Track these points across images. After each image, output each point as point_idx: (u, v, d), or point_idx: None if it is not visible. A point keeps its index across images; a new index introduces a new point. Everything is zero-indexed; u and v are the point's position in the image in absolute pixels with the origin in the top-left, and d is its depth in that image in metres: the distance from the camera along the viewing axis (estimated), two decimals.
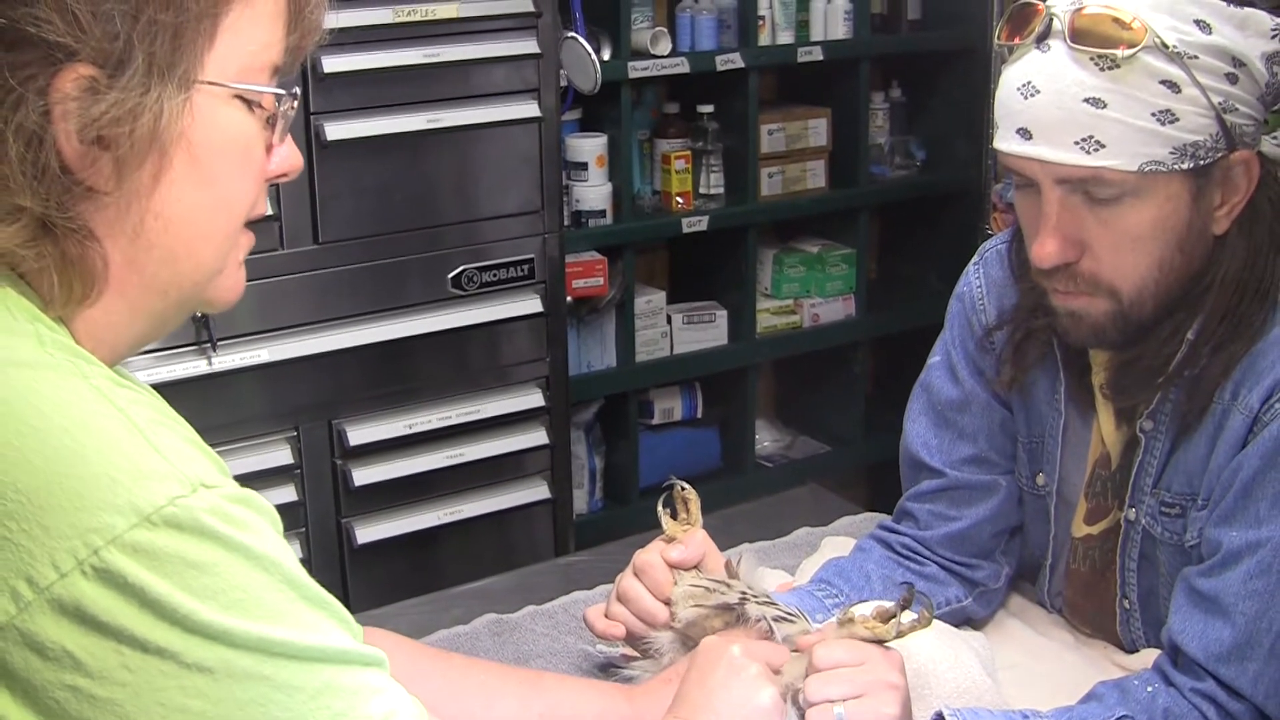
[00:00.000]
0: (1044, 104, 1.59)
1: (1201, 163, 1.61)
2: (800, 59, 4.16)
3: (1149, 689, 1.62)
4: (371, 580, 3.14)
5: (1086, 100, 1.57)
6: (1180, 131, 1.58)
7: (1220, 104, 1.59)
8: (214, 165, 1.13)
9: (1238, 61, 1.59)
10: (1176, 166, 1.59)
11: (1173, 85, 1.57)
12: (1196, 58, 1.57)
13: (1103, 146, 1.57)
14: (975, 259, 1.99)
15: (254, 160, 1.18)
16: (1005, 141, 1.64)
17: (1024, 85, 1.62)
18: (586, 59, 3.44)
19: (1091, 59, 1.57)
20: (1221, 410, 1.68)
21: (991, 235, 3.51)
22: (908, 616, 1.56)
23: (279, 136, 1.20)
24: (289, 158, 1.23)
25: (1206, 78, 1.58)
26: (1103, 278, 1.65)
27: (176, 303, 1.18)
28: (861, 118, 4.36)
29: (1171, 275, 1.66)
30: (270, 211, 2.88)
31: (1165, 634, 1.69)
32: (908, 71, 4.61)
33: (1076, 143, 1.58)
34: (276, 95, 1.17)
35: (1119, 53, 1.56)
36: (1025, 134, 1.61)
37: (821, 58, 4.19)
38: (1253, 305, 1.66)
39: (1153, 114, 1.57)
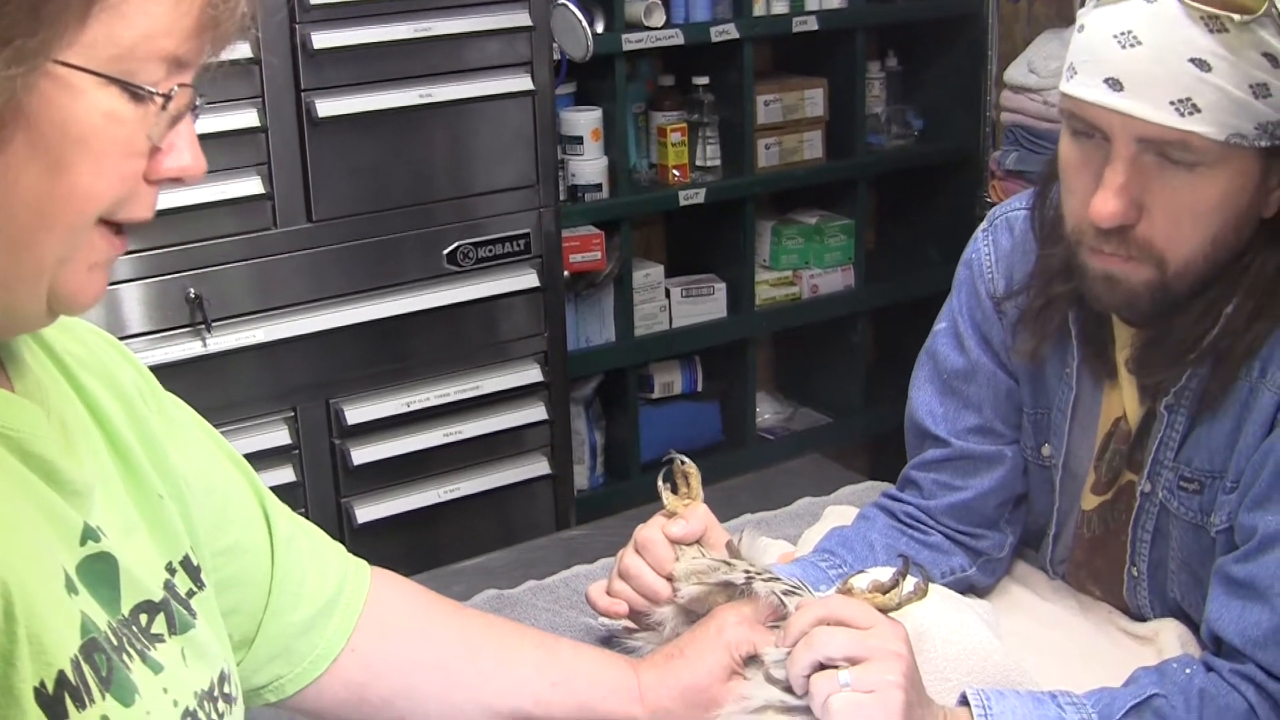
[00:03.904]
0: (1144, 57, 1.52)
1: (1277, 143, 1.56)
2: (795, 29, 4.14)
3: (1187, 671, 1.60)
4: (373, 559, 3.05)
5: (1192, 60, 1.51)
6: (1269, 108, 1.53)
7: None
8: (65, 154, 1.02)
9: None
10: (1257, 143, 1.55)
11: (1274, 60, 1.52)
12: None
13: (1198, 111, 1.51)
14: (984, 225, 1.95)
15: (121, 155, 1.05)
16: (1088, 89, 1.57)
17: (1123, 33, 1.54)
18: (577, 26, 3.40)
19: (1203, 18, 1.50)
20: (1249, 388, 1.65)
21: (990, 203, 3.50)
22: (905, 587, 1.54)
23: (159, 134, 1.07)
24: (183, 160, 1.10)
25: None
26: (1155, 245, 1.60)
27: (24, 298, 1.07)
28: (858, 87, 4.35)
29: (1220, 252, 1.61)
30: (263, 190, 2.87)
31: (1204, 626, 1.66)
32: (904, 40, 4.59)
33: (1172, 103, 1.52)
34: (153, 91, 1.05)
35: (1235, 16, 1.49)
36: (1115, 84, 1.54)
37: (816, 28, 4.17)
38: None
39: (1250, 85, 1.52)
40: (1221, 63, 1.51)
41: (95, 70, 1.01)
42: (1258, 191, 1.60)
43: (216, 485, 1.41)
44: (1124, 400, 1.79)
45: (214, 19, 1.07)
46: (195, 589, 1.29)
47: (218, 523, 1.39)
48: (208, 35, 1.07)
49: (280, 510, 1.50)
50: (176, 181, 1.10)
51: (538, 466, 3.33)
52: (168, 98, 1.05)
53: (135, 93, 1.04)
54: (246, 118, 2.83)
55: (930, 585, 1.59)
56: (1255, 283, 1.63)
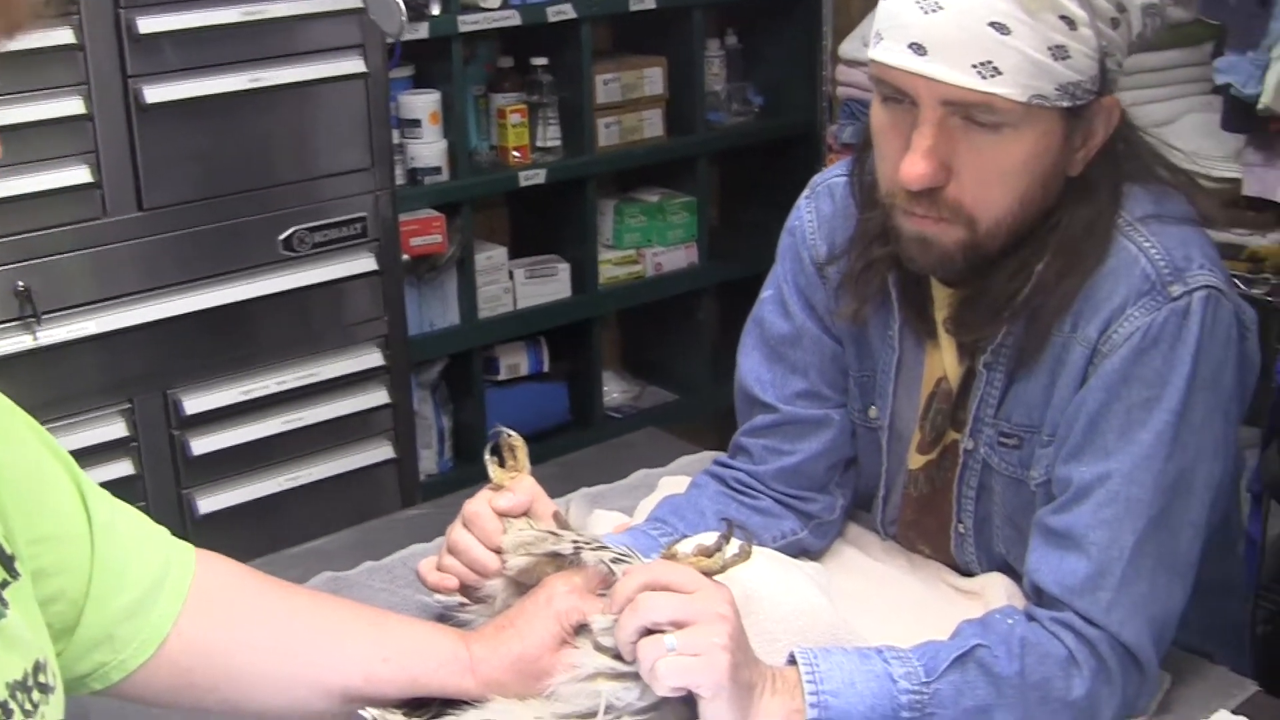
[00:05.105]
0: (946, 22, 1.55)
1: (1078, 103, 1.60)
2: (632, 8, 4.15)
3: (1009, 622, 1.63)
4: (217, 550, 3.06)
5: (992, 24, 1.54)
6: (1068, 69, 1.57)
7: (1103, 47, 1.59)
8: None
9: (1121, 7, 1.59)
10: (1058, 104, 1.58)
11: (1070, 22, 1.56)
12: None
13: (999, 74, 1.55)
14: (806, 193, 1.98)
15: None
16: (893, 55, 1.59)
17: None
18: (390, 1, 3.36)
19: None
20: (1061, 343, 1.69)
21: None
22: (729, 551, 1.55)
23: None
24: None
25: (1099, 20, 1.57)
26: (965, 206, 1.63)
27: None
28: (697, 65, 4.36)
29: (1029, 210, 1.66)
30: (91, 179, 2.83)
31: (1025, 577, 1.70)
32: (742, 18, 4.62)
33: (974, 66, 1.55)
34: None
35: None
36: (919, 49, 1.57)
37: (654, 6, 4.18)
38: (1090, 242, 1.67)
39: (1049, 48, 1.55)
40: (1020, 26, 1.54)
41: None
42: (1062, 151, 1.64)
43: (30, 473, 1.38)
44: (945, 360, 1.82)
45: (3, 6, 1.05)
46: (9, 579, 1.27)
47: (33, 511, 1.36)
48: None
49: (99, 496, 1.47)
50: None
51: (382, 451, 3.31)
52: None
53: None
54: (71, 105, 2.78)
55: (757, 548, 1.61)
56: (1064, 240, 1.67)
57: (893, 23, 1.60)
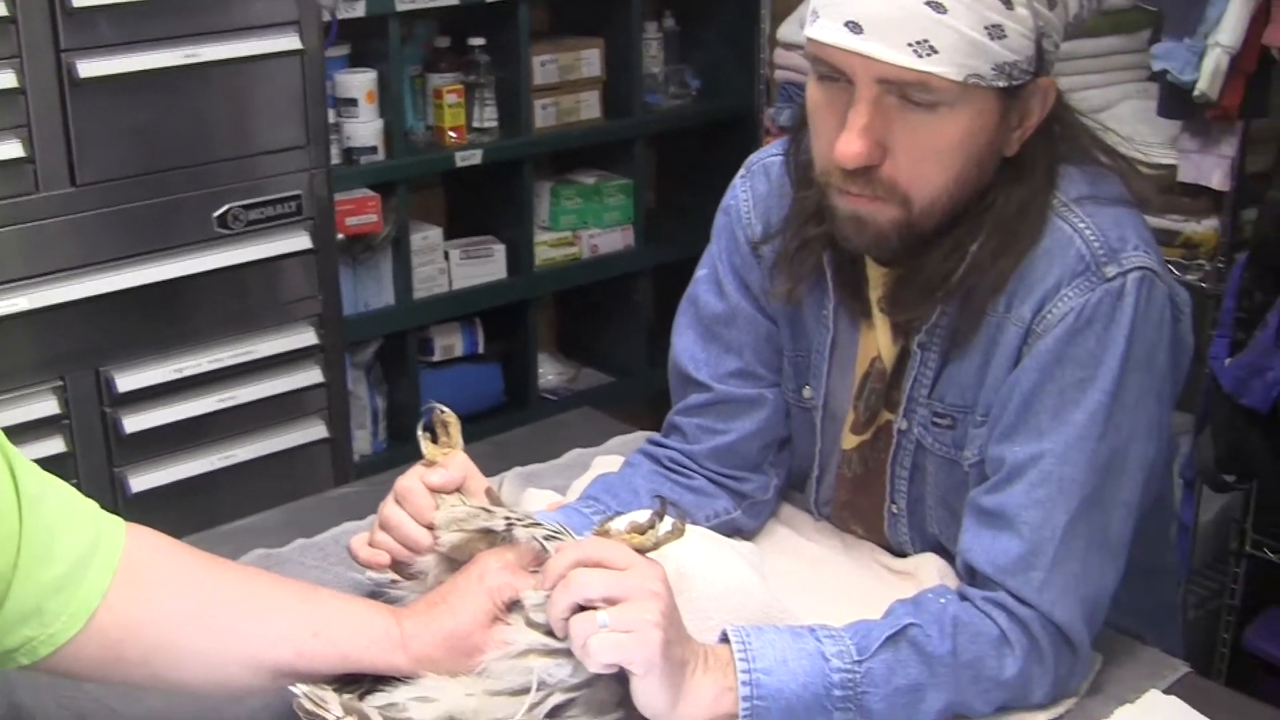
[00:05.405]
0: (882, 0, 1.55)
1: (1014, 83, 1.60)
2: None
3: (942, 601, 1.64)
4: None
5: (928, 3, 1.53)
6: (1004, 49, 1.57)
7: (1040, 28, 1.59)
8: None
9: None
10: (994, 83, 1.58)
11: (1007, 2, 1.56)
12: None
13: (935, 52, 1.54)
14: (742, 172, 1.98)
15: None
16: (829, 33, 1.58)
17: None
18: None
19: None
20: (995, 323, 1.69)
21: None
22: (662, 528, 1.55)
23: None
24: None
25: (1035, 0, 1.58)
26: (900, 185, 1.63)
27: None
28: (635, 48, 4.36)
29: (964, 190, 1.66)
30: (24, 154, 2.80)
31: (958, 557, 1.71)
32: (680, 1, 4.61)
33: (910, 44, 1.54)
34: None
35: None
36: (855, 27, 1.56)
37: None
38: (1025, 222, 1.68)
39: (985, 27, 1.55)
40: (957, 5, 1.54)
41: None
42: (998, 130, 1.64)
43: None
44: (879, 339, 1.82)
45: None
46: None
47: None
48: None
49: (28, 469, 1.46)
50: None
51: (315, 431, 3.30)
52: None
53: None
54: (3, 78, 2.75)
55: (690, 526, 1.61)
56: (999, 220, 1.67)
57: (829, 0, 1.60)
